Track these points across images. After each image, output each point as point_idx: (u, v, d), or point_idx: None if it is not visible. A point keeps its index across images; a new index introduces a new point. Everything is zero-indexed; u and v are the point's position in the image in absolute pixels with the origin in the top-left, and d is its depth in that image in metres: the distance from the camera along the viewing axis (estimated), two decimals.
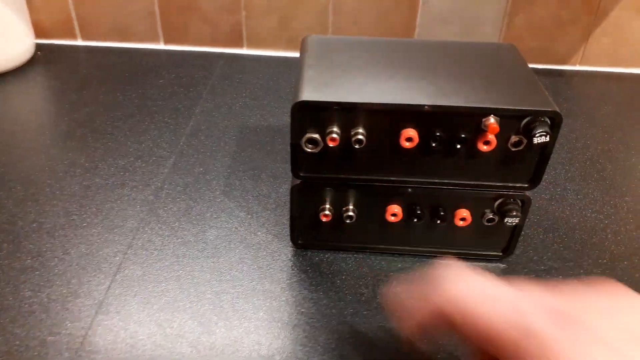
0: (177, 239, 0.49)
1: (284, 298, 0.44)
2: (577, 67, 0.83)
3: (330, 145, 0.40)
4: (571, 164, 0.62)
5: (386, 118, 0.40)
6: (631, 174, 0.60)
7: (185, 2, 0.79)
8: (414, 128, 0.40)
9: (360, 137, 0.40)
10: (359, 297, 0.44)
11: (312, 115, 0.40)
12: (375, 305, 0.44)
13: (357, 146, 0.40)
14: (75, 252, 0.48)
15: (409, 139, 0.40)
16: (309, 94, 0.40)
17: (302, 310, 0.43)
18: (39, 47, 0.81)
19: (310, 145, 0.41)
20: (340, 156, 0.42)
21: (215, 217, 0.52)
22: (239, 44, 0.83)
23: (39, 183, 0.55)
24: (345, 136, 0.41)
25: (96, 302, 0.43)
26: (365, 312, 0.43)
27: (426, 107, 0.39)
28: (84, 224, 0.51)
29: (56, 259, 0.47)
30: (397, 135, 0.41)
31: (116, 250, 0.48)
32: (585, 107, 0.73)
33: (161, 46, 0.84)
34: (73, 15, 0.81)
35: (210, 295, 0.44)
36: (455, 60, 0.45)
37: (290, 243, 0.49)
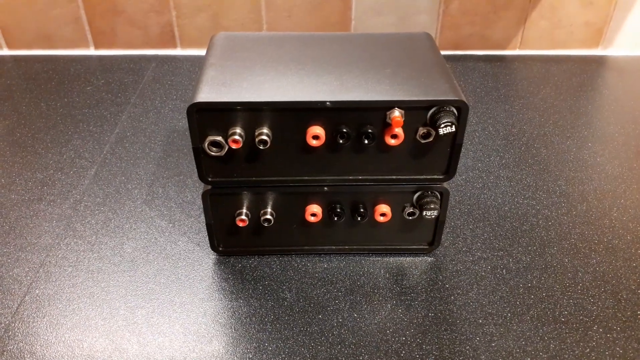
0: (93, 253, 0.47)
1: (201, 309, 0.42)
2: (517, 52, 0.83)
3: (234, 147, 0.39)
4: (506, 150, 0.61)
5: (290, 116, 0.39)
6: (565, 156, 0.60)
7: (110, 5, 0.76)
8: (320, 125, 0.39)
9: (264, 137, 0.38)
10: (281, 302, 0.43)
11: (211, 117, 0.38)
12: (298, 310, 0.42)
13: (261, 147, 0.39)
14: None
15: (316, 137, 0.39)
16: (205, 95, 0.38)
17: (220, 320, 0.42)
18: None
19: (214, 149, 0.40)
20: (248, 158, 0.41)
21: (134, 229, 0.49)
22: (172, 45, 0.80)
23: None
24: (250, 137, 0.39)
25: (2, 326, 0.41)
26: (286, 318, 0.42)
27: (328, 103, 0.38)
28: None
29: None
30: (304, 134, 0.39)
31: (27, 269, 0.46)
32: (523, 92, 0.73)
33: (91, 52, 0.81)
34: None
35: (124, 311, 0.42)
36: (366, 53, 0.44)
37: (212, 251, 0.47)
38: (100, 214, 0.51)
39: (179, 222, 0.50)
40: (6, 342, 0.40)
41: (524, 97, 0.72)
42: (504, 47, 0.82)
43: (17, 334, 0.41)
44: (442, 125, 0.37)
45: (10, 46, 0.80)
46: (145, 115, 0.66)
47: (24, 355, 0.39)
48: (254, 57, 0.43)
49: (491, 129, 0.64)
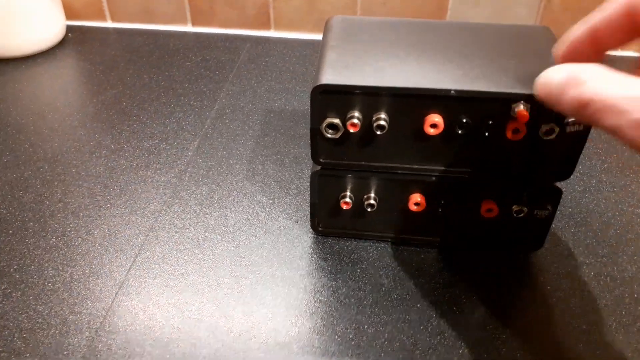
0: (199, 222, 0.49)
1: (302, 285, 0.43)
2: (619, 52, 0.79)
3: (351, 130, 0.39)
4: (608, 154, 0.59)
5: (410, 103, 0.39)
6: None
7: None
8: (439, 114, 0.39)
9: (382, 122, 0.39)
10: (379, 288, 0.44)
11: (332, 99, 0.39)
12: (396, 297, 0.43)
13: (378, 132, 0.39)
14: (98, 233, 0.48)
15: (434, 126, 0.39)
16: (329, 77, 0.38)
17: (321, 298, 0.43)
18: (69, 28, 0.82)
19: (330, 131, 0.40)
20: (361, 142, 0.41)
21: (237, 202, 0.51)
22: (266, 26, 0.82)
23: (66, 164, 0.56)
24: (367, 121, 0.40)
25: (117, 283, 0.44)
26: (385, 303, 0.42)
27: (452, 91, 0.37)
28: (107, 205, 0.51)
29: (80, 239, 0.48)
30: (422, 122, 0.39)
31: (138, 232, 0.48)
32: None
33: (189, 28, 0.83)
34: None
35: (229, 280, 0.44)
36: (485, 43, 0.43)
37: (311, 230, 0.48)
38: (204, 185, 0.53)
39: (277, 199, 0.52)
40: (121, 298, 0.43)
41: None
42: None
43: (130, 291, 0.43)
44: (571, 123, 0.36)
45: (114, 19, 0.84)
46: (242, 94, 0.67)
47: (137, 313, 0.41)
48: (373, 41, 0.43)
49: (592, 130, 0.61)
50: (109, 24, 0.85)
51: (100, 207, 0.51)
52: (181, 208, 0.51)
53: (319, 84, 0.38)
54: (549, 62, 0.40)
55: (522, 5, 0.77)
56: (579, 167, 0.56)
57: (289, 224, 0.49)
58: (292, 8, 0.80)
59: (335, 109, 0.39)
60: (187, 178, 0.54)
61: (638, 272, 0.45)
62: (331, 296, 0.43)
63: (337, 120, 0.40)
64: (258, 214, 0.50)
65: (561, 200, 0.47)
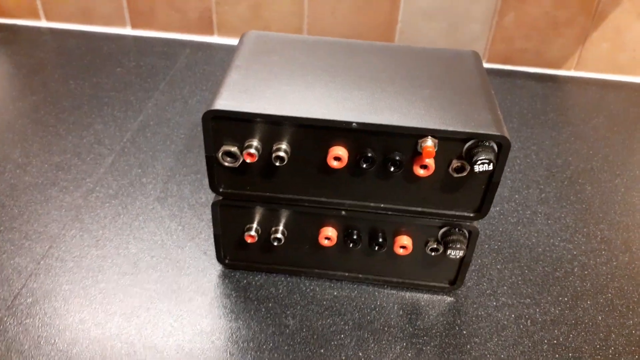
0: (97, 250, 0.45)
1: (198, 327, 0.40)
2: (572, 73, 0.77)
3: (248, 160, 0.36)
4: (547, 183, 0.56)
5: (312, 134, 0.35)
6: (611, 197, 0.55)
7: None
8: (342, 146, 0.35)
9: (281, 154, 0.35)
10: (282, 330, 0.40)
11: (228, 125, 0.35)
12: (299, 340, 0.39)
13: (277, 163, 0.36)
14: None
15: (337, 159, 0.36)
16: (223, 102, 0.35)
17: (216, 342, 0.39)
18: (0, 27, 0.77)
19: (228, 159, 0.37)
20: (263, 172, 0.38)
21: (142, 227, 0.47)
22: (209, 31, 0.78)
23: None
24: (267, 151, 0.36)
25: None
26: (286, 348, 0.39)
27: (354, 124, 0.34)
28: (1, 227, 0.47)
29: None
30: (325, 154, 0.36)
31: (29, 260, 0.44)
32: (574, 118, 0.67)
33: (127, 31, 0.79)
34: None
35: (118, 317, 0.40)
36: (404, 69, 0.40)
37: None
38: (110, 208, 0.49)
39: (189, 225, 0.48)
40: None
41: (573, 124, 0.66)
42: (558, 66, 0.77)
43: (8, 329, 0.39)
44: (479, 162, 0.33)
45: (48, 18, 0.79)
46: (171, 104, 0.64)
47: (10, 354, 0.37)
48: (282, 62, 0.40)
49: (534, 157, 0.59)
50: (43, 23, 0.80)
51: None
52: (80, 233, 0.47)
53: (210, 109, 0.35)
54: (466, 93, 0.37)
55: (475, 22, 0.74)
56: (514, 196, 0.54)
57: (196, 254, 0.45)
58: (236, 14, 0.76)
59: (232, 135, 0.36)
60: (93, 199, 0.50)
61: (560, 315, 0.43)
62: (228, 340, 0.39)
63: (234, 149, 0.36)
64: (164, 242, 0.46)
65: (491, 234, 0.45)
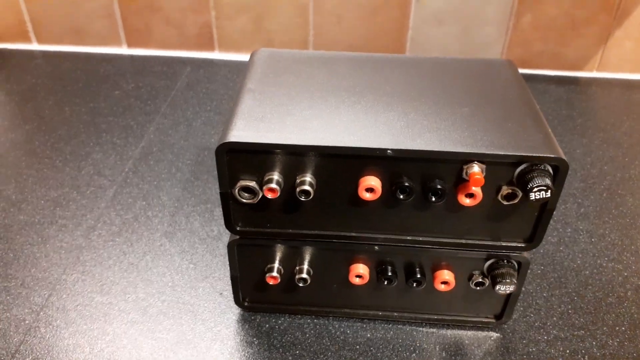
0: (102, 297, 0.41)
1: None
2: (594, 74, 0.73)
3: (269, 196, 0.32)
4: (585, 196, 0.52)
5: (341, 164, 0.31)
6: None
7: (147, 1, 0.70)
8: (375, 176, 0.31)
9: (306, 187, 0.31)
10: None
11: (245, 158, 0.31)
12: None
13: (302, 198, 0.32)
14: None
15: (370, 190, 0.31)
16: (238, 133, 0.31)
17: None
18: None
19: (246, 195, 0.33)
20: (285, 207, 0.34)
21: (150, 268, 0.43)
22: (210, 47, 0.74)
23: None
24: (290, 184, 0.32)
25: None
26: None
27: (389, 151, 0.30)
28: None
29: None
30: (355, 185, 0.32)
31: (27, 311, 0.40)
32: (603, 123, 0.63)
33: (124, 50, 0.75)
34: (26, 16, 0.73)
35: None
36: (436, 84, 0.36)
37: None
38: (114, 247, 0.45)
39: (201, 262, 0.44)
40: None
41: (604, 129, 0.62)
42: (579, 68, 0.72)
43: None
44: (535, 189, 0.29)
45: (40, 40, 0.75)
46: (175, 128, 0.59)
47: None
48: (300, 83, 0.36)
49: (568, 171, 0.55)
50: (34, 46, 0.76)
51: None
52: (83, 277, 0.42)
53: (224, 141, 0.30)
54: (509, 108, 0.33)
55: (489, 24, 0.70)
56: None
57: (212, 295, 0.41)
58: (237, 27, 0.72)
59: (250, 169, 0.32)
60: (95, 237, 0.46)
61: (620, 348, 0.38)
62: None
63: (252, 184, 0.32)
64: (174, 283, 0.42)
65: (533, 257, 0.41)
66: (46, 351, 0.37)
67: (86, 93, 0.65)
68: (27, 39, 0.75)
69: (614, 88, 0.70)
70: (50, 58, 0.73)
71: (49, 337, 0.38)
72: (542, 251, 0.46)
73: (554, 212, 0.49)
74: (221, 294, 0.41)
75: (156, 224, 0.47)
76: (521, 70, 0.72)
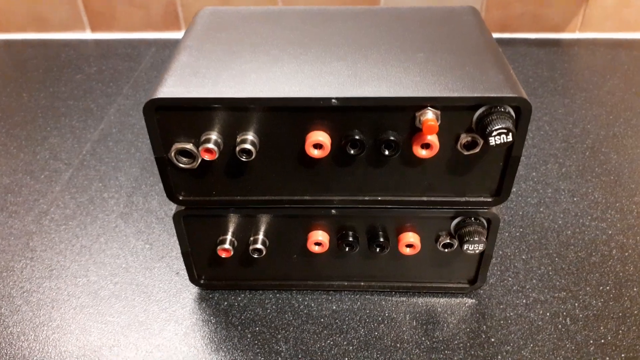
0: (50, 281, 0.38)
1: None
2: (577, 35, 0.70)
3: (207, 158, 0.29)
4: (567, 156, 0.49)
5: (284, 118, 0.28)
6: None
7: None
8: (323, 130, 0.29)
9: (247, 146, 0.29)
10: (274, 358, 0.33)
11: (178, 117, 0.29)
12: None
13: (244, 158, 0.29)
14: None
15: (318, 146, 0.29)
16: (168, 89, 0.28)
17: None
18: None
19: (183, 159, 0.30)
20: (230, 172, 0.31)
21: (103, 250, 0.41)
22: (175, 27, 0.71)
23: None
24: (231, 145, 0.29)
25: None
26: None
27: (334, 100, 0.27)
28: None
29: None
30: (302, 142, 0.29)
31: None
32: (586, 83, 0.61)
33: (87, 35, 0.72)
34: None
35: (78, 353, 0.33)
36: (391, 32, 0.33)
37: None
38: (66, 231, 0.42)
39: (158, 242, 0.41)
40: None
41: (586, 89, 0.59)
42: (561, 30, 0.70)
43: None
44: (495, 133, 0.27)
45: (1, 29, 0.73)
46: (136, 108, 0.57)
47: None
48: (242, 37, 0.33)
49: (547, 128, 0.52)
50: None
51: None
52: (32, 263, 0.40)
53: (151, 98, 0.28)
54: (468, 53, 0.30)
55: None
56: (531, 174, 0.47)
57: (167, 275, 0.39)
58: (203, 5, 0.69)
59: (185, 130, 0.29)
60: (47, 222, 0.43)
61: (604, 308, 0.36)
62: None
63: (189, 146, 0.29)
64: (128, 264, 0.39)
65: (511, 219, 0.38)
66: None
67: (46, 79, 0.63)
68: None
69: (598, 48, 0.68)
70: (12, 46, 0.71)
71: None
72: (520, 213, 0.43)
73: (534, 174, 0.47)
74: (177, 273, 0.39)
75: (112, 205, 0.44)
76: (501, 35, 0.70)
